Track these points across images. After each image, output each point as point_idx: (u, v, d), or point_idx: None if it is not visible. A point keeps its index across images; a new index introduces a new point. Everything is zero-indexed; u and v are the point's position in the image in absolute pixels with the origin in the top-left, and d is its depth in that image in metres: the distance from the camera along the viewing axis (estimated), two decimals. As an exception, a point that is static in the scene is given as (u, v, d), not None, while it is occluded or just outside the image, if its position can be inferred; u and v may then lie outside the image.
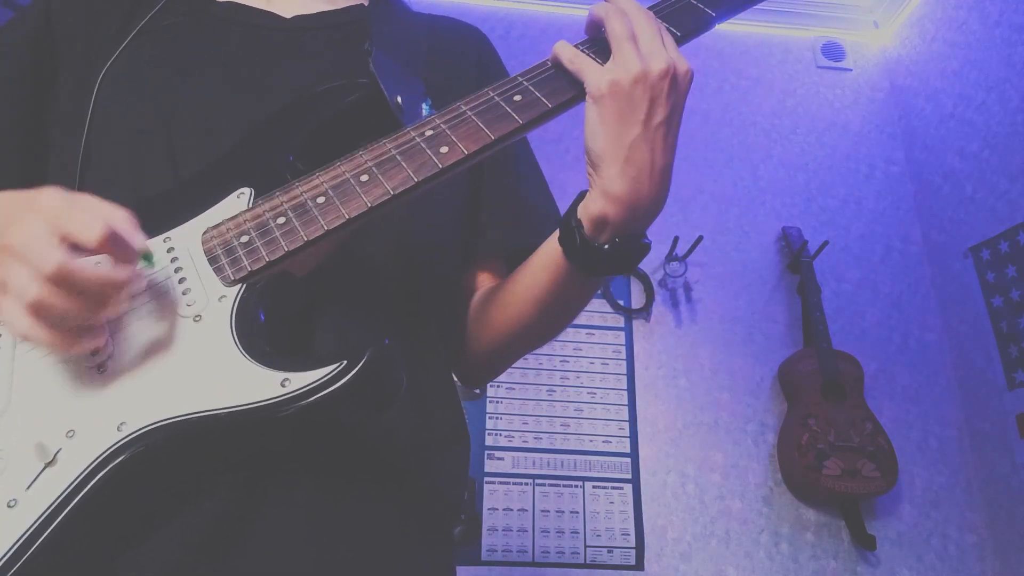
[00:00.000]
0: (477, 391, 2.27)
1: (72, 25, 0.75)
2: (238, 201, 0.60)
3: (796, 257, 2.44)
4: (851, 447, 2.13)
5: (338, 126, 0.64)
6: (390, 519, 0.62)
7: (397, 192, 0.57)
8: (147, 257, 0.54)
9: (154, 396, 0.51)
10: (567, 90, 0.61)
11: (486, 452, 2.19)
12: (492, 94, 0.61)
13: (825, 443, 2.13)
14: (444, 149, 0.58)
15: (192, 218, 0.59)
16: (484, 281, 0.82)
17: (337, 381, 0.49)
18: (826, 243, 2.46)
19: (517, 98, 0.61)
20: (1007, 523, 2.15)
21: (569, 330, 2.38)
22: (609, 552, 2.10)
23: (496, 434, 2.22)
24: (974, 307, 2.32)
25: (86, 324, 0.50)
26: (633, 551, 2.11)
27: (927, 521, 2.21)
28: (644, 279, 2.45)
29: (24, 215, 0.49)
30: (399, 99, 0.65)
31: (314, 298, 0.62)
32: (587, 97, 0.59)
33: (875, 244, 2.59)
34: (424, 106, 0.70)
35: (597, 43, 0.62)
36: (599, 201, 0.60)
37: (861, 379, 2.26)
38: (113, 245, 0.50)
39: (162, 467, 0.51)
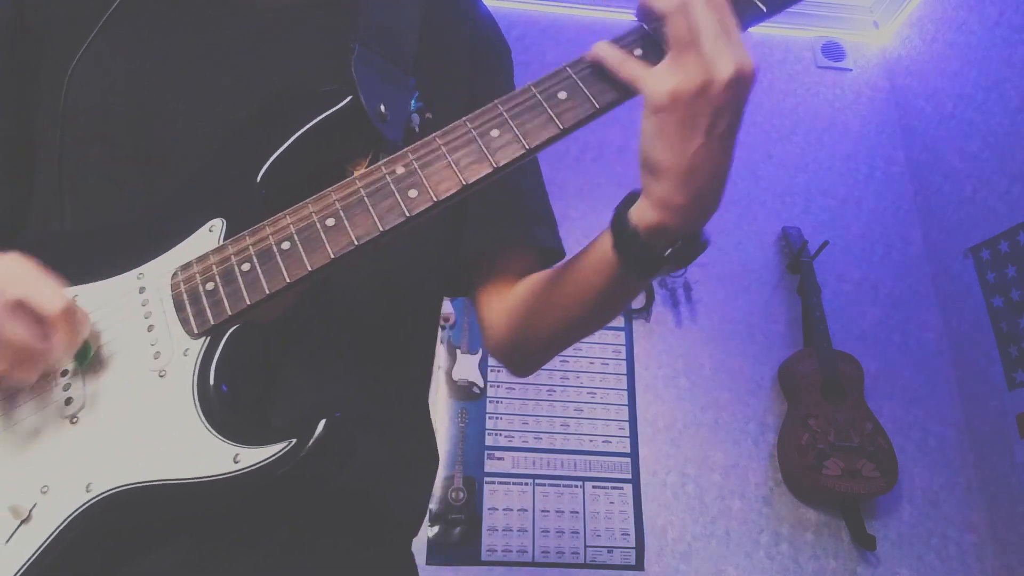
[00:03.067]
0: (477, 390, 2.27)
1: (46, 13, 0.72)
2: (209, 236, 0.59)
3: (796, 257, 2.44)
4: (851, 447, 2.13)
5: (318, 137, 0.62)
6: (343, 555, 0.62)
7: (361, 242, 0.55)
8: (85, 352, 0.55)
9: (118, 458, 0.53)
10: (547, 127, 0.56)
11: (486, 452, 2.19)
12: (469, 126, 0.57)
13: (825, 443, 2.13)
14: (413, 193, 0.55)
15: (164, 252, 0.59)
16: (520, 270, 0.79)
17: (287, 461, 0.50)
18: (826, 243, 2.46)
19: (494, 133, 0.56)
20: (1007, 523, 2.15)
21: (569, 330, 2.38)
22: (609, 552, 2.10)
23: (496, 434, 2.22)
24: (974, 307, 2.32)
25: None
26: (633, 551, 2.11)
27: (927, 521, 2.21)
28: (644, 279, 2.45)
29: None
30: (382, 107, 0.62)
31: (282, 343, 0.61)
32: (646, 107, 0.54)
33: (875, 244, 2.59)
34: (413, 101, 0.68)
35: (640, 35, 0.56)
36: (656, 211, 0.56)
37: (861, 379, 2.26)
38: (69, 322, 0.52)
39: (127, 526, 0.54)
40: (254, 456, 0.50)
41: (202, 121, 0.66)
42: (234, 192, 0.61)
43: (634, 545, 2.12)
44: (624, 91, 0.56)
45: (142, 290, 0.58)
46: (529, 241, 0.78)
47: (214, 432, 0.52)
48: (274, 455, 0.50)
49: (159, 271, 0.58)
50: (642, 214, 0.57)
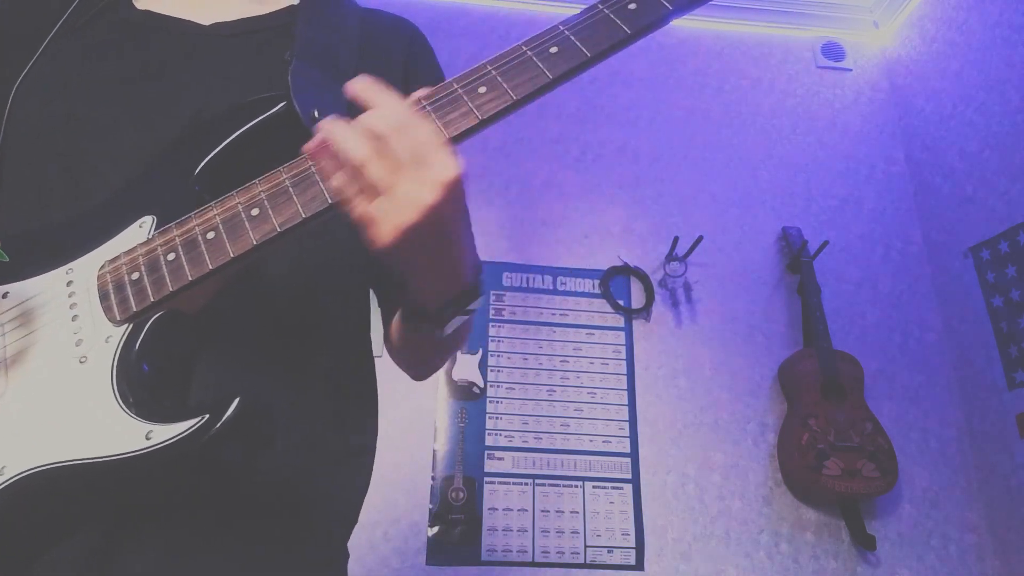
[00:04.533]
0: (477, 390, 2.26)
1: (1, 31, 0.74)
2: (139, 231, 0.60)
3: (796, 257, 2.44)
4: (851, 447, 2.13)
5: (253, 142, 0.63)
6: (267, 547, 0.63)
7: (284, 228, 0.56)
8: None
9: (34, 441, 0.54)
10: (467, 118, 0.57)
11: (486, 452, 2.19)
12: None
13: (825, 443, 2.13)
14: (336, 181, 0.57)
15: (94, 248, 0.60)
16: None
17: (200, 436, 0.50)
18: (826, 243, 2.46)
19: None
20: (1007, 523, 2.15)
21: (569, 330, 2.39)
22: (609, 552, 2.10)
23: (496, 434, 2.22)
24: (974, 307, 2.32)
25: None
26: (633, 551, 2.11)
27: (927, 521, 2.21)
28: (644, 279, 2.45)
29: None
30: (316, 113, 0.63)
31: (205, 334, 0.62)
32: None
33: (875, 244, 2.59)
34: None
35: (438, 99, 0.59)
36: (409, 299, 0.66)
37: (861, 379, 2.26)
38: None
39: (44, 506, 0.53)
40: (166, 433, 0.51)
41: (140, 136, 0.67)
42: (167, 191, 0.62)
43: (634, 545, 2.12)
44: (538, 86, 0.59)
45: (70, 283, 0.59)
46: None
47: (128, 411, 0.53)
48: (185, 431, 0.51)
49: (88, 265, 0.59)
50: (404, 305, 0.68)
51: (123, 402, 0.53)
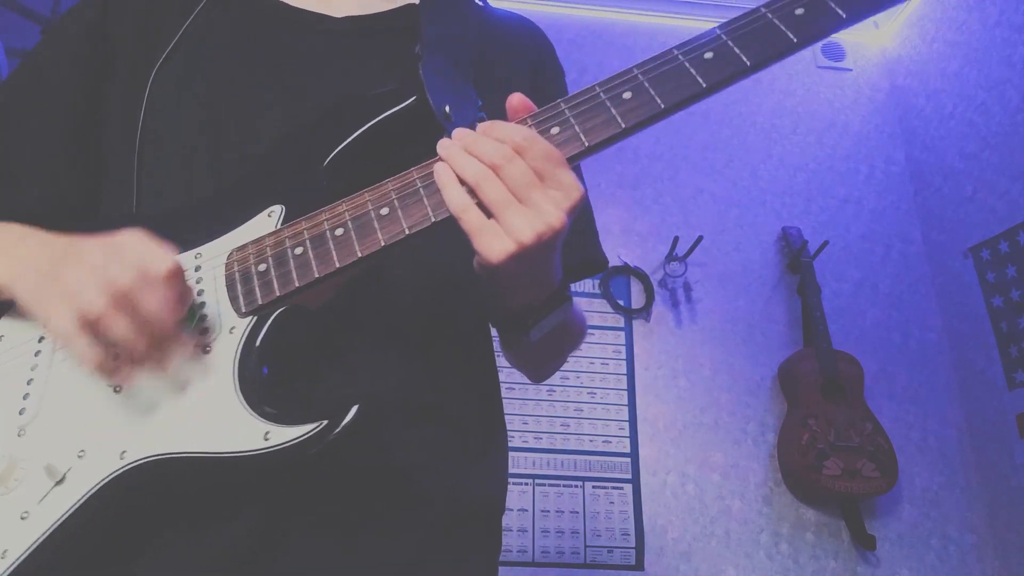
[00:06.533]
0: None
1: (127, 19, 0.75)
2: (268, 220, 0.60)
3: (796, 257, 2.44)
4: (851, 447, 2.13)
5: (383, 134, 0.63)
6: (421, 536, 0.63)
7: (413, 231, 0.56)
8: (192, 314, 0.56)
9: (155, 428, 0.54)
10: (609, 126, 0.56)
11: (486, 452, 2.19)
12: (529, 123, 0.58)
13: (825, 443, 2.13)
14: None
15: (224, 234, 0.60)
16: None
17: (317, 442, 0.51)
18: (826, 243, 2.46)
19: (554, 131, 0.57)
20: (1007, 523, 2.15)
21: (569, 330, 2.39)
22: (609, 552, 2.10)
23: (496, 434, 2.21)
24: (974, 307, 2.32)
25: (128, 357, 0.53)
26: (633, 551, 2.11)
27: (927, 521, 2.21)
28: (644, 279, 2.45)
29: (108, 245, 0.53)
30: (447, 108, 0.64)
31: (327, 331, 0.62)
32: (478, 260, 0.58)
33: (875, 244, 2.59)
34: (482, 114, 0.69)
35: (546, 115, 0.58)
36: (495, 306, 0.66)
37: (861, 379, 2.26)
38: (176, 279, 0.53)
39: (160, 495, 0.55)
40: (284, 435, 0.51)
41: (273, 130, 0.68)
42: (296, 181, 0.62)
43: (634, 545, 2.11)
44: (686, 97, 0.55)
45: (198, 268, 0.59)
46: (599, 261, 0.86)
47: (248, 409, 0.53)
48: (303, 435, 0.51)
49: (216, 251, 0.60)
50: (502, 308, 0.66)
51: (244, 399, 0.53)
